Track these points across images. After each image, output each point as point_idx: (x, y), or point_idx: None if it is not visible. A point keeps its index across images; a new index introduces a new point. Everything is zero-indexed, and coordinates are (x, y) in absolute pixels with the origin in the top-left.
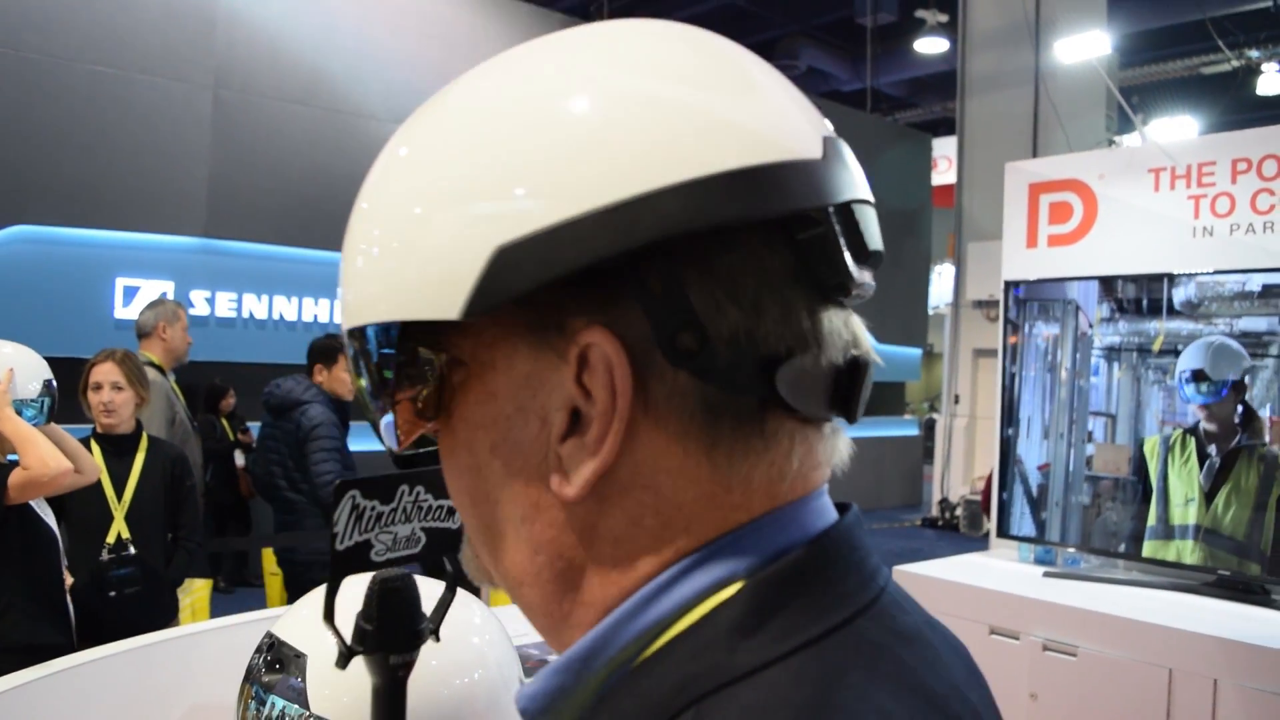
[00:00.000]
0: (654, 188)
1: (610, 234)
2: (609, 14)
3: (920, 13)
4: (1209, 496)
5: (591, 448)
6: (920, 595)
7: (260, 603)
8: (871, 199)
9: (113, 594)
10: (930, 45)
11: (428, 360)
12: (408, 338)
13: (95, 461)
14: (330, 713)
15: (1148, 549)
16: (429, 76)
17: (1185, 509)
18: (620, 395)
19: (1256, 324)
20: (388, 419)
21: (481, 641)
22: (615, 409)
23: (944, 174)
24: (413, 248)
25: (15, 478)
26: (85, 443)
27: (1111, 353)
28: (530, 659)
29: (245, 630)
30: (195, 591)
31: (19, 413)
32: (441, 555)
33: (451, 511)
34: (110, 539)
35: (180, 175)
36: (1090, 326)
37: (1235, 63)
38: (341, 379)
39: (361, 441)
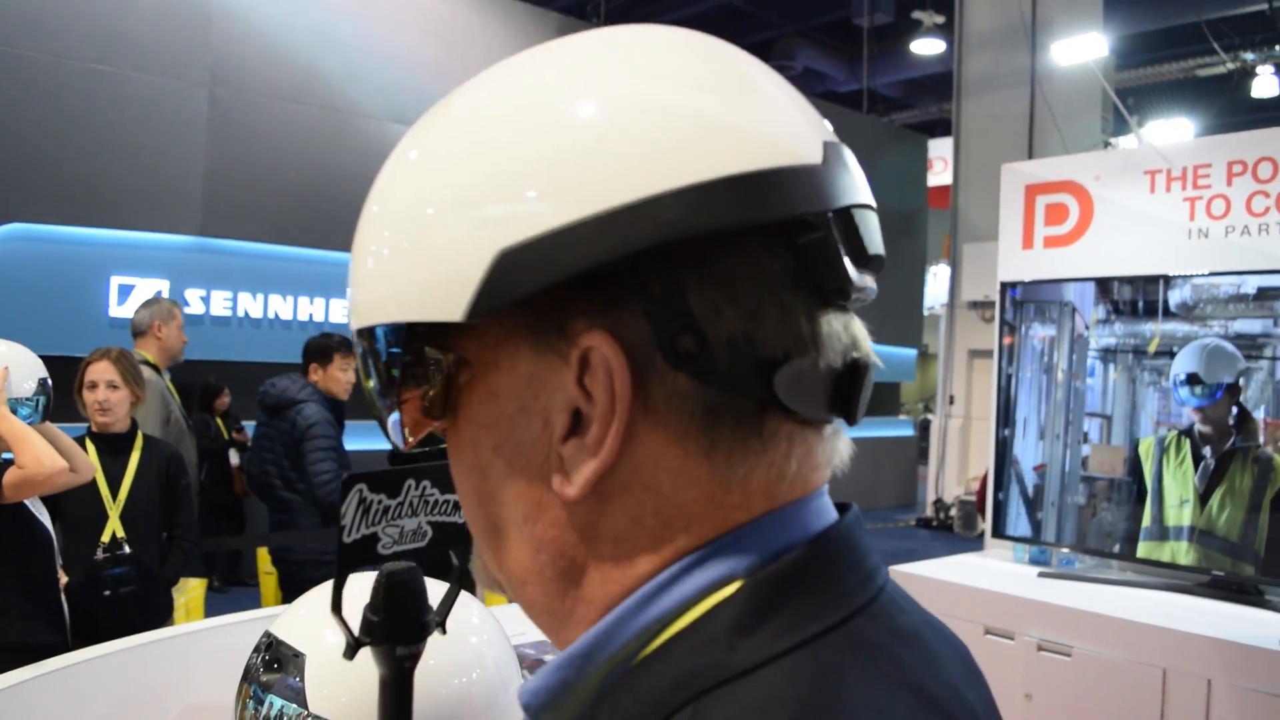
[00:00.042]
0: (654, 192)
1: (611, 238)
2: (605, 14)
3: (917, 14)
4: (1203, 498)
5: (592, 448)
6: (916, 595)
7: (255, 602)
8: (873, 203)
9: (107, 593)
10: (927, 46)
11: (434, 360)
12: (414, 338)
13: (90, 460)
14: (329, 712)
15: (1142, 550)
16: (426, 75)
17: (1180, 510)
18: (619, 398)
19: (1251, 326)
20: (394, 417)
21: (480, 641)
22: (615, 411)
23: (940, 175)
24: (417, 250)
25: (10, 477)
26: (80, 441)
27: (1107, 354)
28: (526, 659)
29: (241, 630)
30: (189, 591)
31: (14, 411)
32: (448, 549)
33: (457, 506)
34: (105, 538)
35: (176, 173)
36: (1086, 328)
37: (1230, 65)
38: (336, 378)
39: (357, 440)
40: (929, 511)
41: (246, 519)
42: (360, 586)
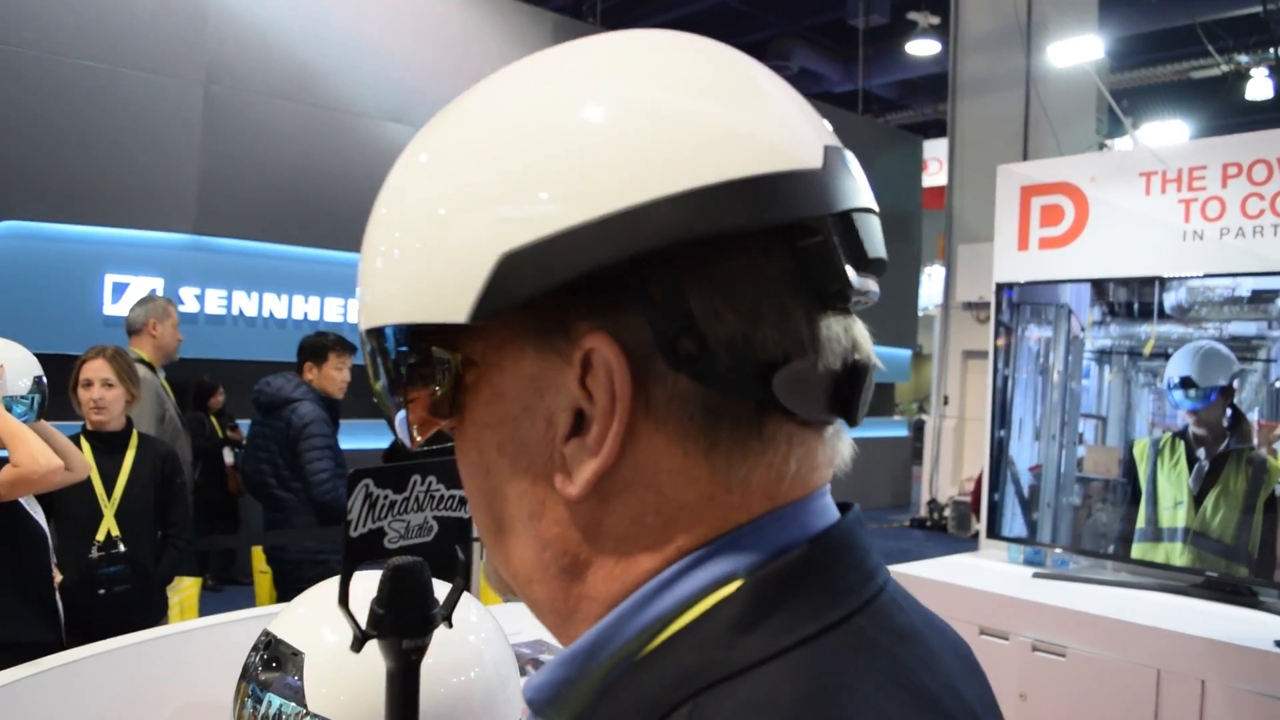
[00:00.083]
0: (654, 197)
1: (611, 242)
2: (600, 13)
3: (912, 15)
4: (1197, 499)
5: (593, 448)
6: None
7: (249, 601)
8: (875, 207)
9: (102, 592)
10: (922, 47)
11: (440, 360)
12: (422, 338)
13: (85, 459)
14: (328, 711)
15: (1137, 551)
16: (421, 74)
17: (1174, 512)
18: (619, 398)
19: (1246, 328)
20: (403, 415)
21: (478, 640)
22: (615, 411)
23: (934, 176)
24: (423, 252)
25: (5, 475)
26: (75, 440)
27: (1102, 355)
28: (522, 658)
29: (236, 628)
30: (184, 590)
31: (9, 409)
32: (453, 544)
33: (463, 501)
34: (100, 536)
35: (170, 171)
36: (1082, 329)
37: (1225, 68)
38: (331, 377)
39: (351, 439)
40: (923, 512)
41: (240, 518)
42: (359, 584)
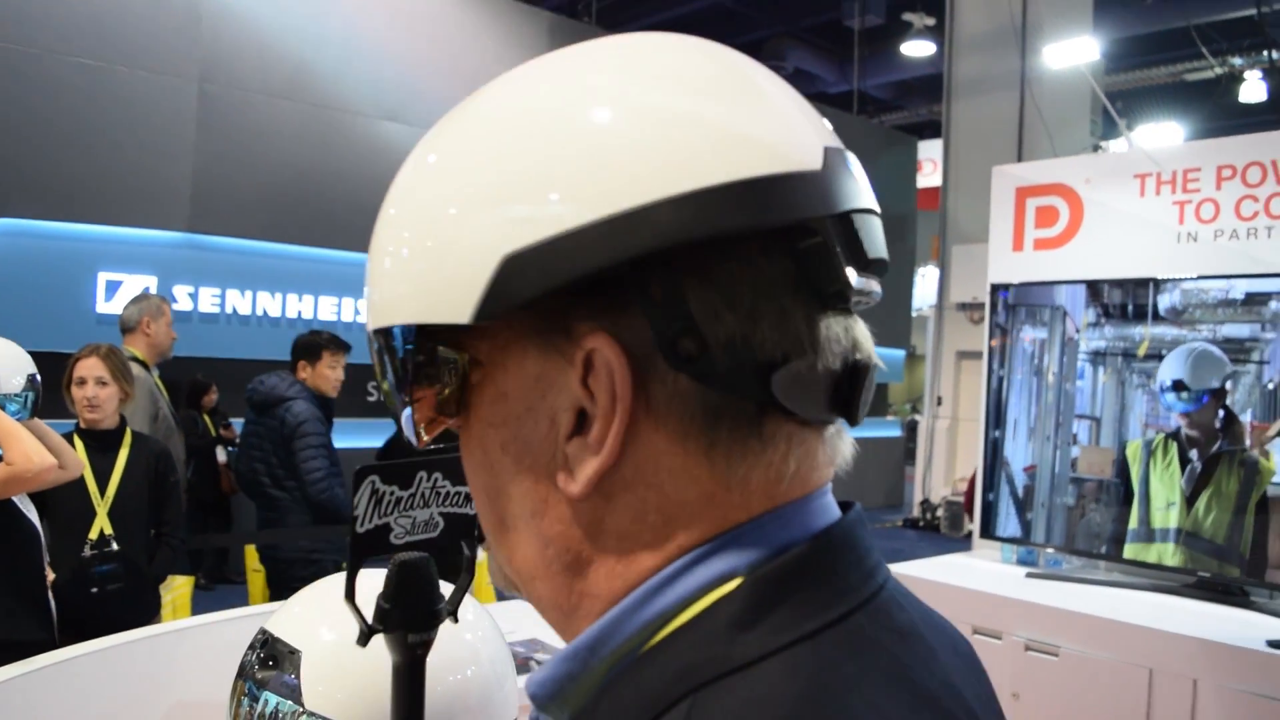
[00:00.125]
0: (655, 198)
1: (612, 243)
2: (595, 13)
3: (907, 16)
4: (1190, 500)
5: (594, 447)
6: None
7: (242, 600)
8: (875, 208)
9: (95, 590)
10: (917, 48)
11: (447, 360)
12: (428, 338)
13: (79, 457)
14: (325, 709)
15: (1129, 551)
16: (416, 72)
17: (1166, 512)
18: (620, 398)
19: (1239, 330)
20: (409, 414)
21: (474, 638)
22: (616, 411)
23: (929, 176)
24: (428, 253)
25: None
26: (68, 438)
27: (1097, 357)
28: (518, 656)
29: (230, 627)
30: (177, 588)
31: (2, 407)
32: (459, 540)
33: (469, 498)
34: (93, 535)
35: (164, 169)
36: (1076, 331)
37: (1219, 70)
38: (325, 375)
39: (344, 438)
40: (916, 512)
41: (233, 516)
42: (362, 580)
